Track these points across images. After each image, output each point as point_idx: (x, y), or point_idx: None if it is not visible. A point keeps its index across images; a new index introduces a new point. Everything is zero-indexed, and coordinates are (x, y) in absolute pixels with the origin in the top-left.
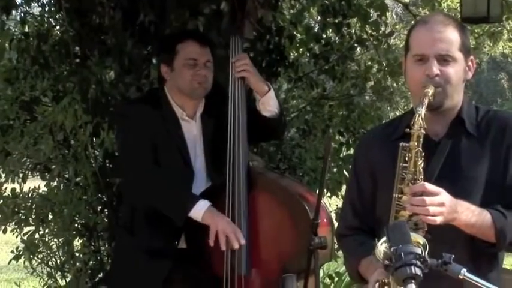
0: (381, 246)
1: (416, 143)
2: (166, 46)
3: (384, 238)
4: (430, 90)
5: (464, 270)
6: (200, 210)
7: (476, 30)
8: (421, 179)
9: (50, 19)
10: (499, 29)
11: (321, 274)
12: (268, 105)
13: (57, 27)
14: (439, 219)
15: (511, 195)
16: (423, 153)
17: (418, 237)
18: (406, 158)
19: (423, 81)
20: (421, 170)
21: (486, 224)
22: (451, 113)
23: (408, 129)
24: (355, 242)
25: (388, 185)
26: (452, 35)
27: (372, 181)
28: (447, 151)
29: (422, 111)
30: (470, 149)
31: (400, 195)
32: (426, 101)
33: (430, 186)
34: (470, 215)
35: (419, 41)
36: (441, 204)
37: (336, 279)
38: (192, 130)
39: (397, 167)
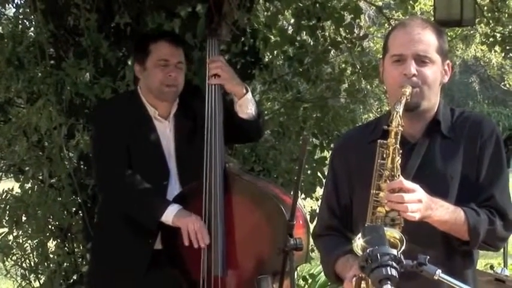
0: (359, 241)
1: (394, 140)
2: (140, 45)
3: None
4: (408, 90)
5: (439, 271)
6: (170, 215)
7: (449, 34)
8: (398, 175)
9: (25, 20)
10: (472, 32)
11: (295, 276)
12: (246, 107)
13: (32, 29)
14: (417, 216)
15: (484, 194)
16: (400, 150)
17: (394, 232)
18: (384, 155)
19: (400, 81)
20: (399, 166)
21: (459, 221)
22: (428, 115)
23: (386, 127)
24: (331, 242)
25: (365, 185)
26: (430, 38)
27: (349, 182)
28: (423, 152)
29: (400, 109)
30: (446, 149)
31: (377, 192)
32: (404, 100)
33: (407, 183)
34: (444, 212)
35: (397, 42)
36: (419, 201)
37: (310, 280)
38: (165, 130)
39: (374, 164)
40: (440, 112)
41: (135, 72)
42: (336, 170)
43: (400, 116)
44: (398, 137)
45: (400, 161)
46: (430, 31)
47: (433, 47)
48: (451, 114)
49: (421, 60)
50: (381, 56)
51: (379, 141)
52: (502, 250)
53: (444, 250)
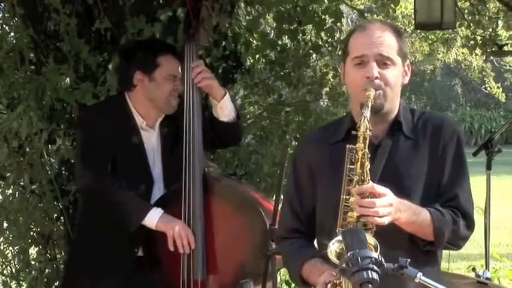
0: (333, 246)
1: (362, 145)
2: (147, 55)
3: (337, 238)
4: (372, 93)
5: (420, 274)
6: (153, 219)
7: (430, 37)
8: (368, 180)
9: (5, 25)
10: (453, 35)
11: (278, 280)
12: (226, 109)
13: (12, 34)
14: (387, 220)
15: (447, 194)
16: (369, 155)
17: (369, 238)
18: (353, 160)
19: (363, 83)
20: (368, 171)
21: (425, 222)
22: (389, 116)
23: (354, 132)
24: (295, 245)
25: (328, 187)
26: (390, 40)
27: (311, 183)
28: (387, 153)
29: (367, 113)
30: (409, 150)
31: (347, 197)
32: (370, 104)
33: (378, 188)
34: (411, 213)
35: (358, 44)
36: (390, 205)
37: (293, 285)
38: (151, 139)
39: (344, 169)
40: (401, 113)
41: (132, 80)
42: (297, 171)
43: (368, 120)
44: (367, 141)
45: (369, 166)
46: (389, 33)
47: (393, 48)
48: (411, 114)
49: (383, 62)
50: None
51: (347, 146)
52: (484, 252)
53: (408, 250)
